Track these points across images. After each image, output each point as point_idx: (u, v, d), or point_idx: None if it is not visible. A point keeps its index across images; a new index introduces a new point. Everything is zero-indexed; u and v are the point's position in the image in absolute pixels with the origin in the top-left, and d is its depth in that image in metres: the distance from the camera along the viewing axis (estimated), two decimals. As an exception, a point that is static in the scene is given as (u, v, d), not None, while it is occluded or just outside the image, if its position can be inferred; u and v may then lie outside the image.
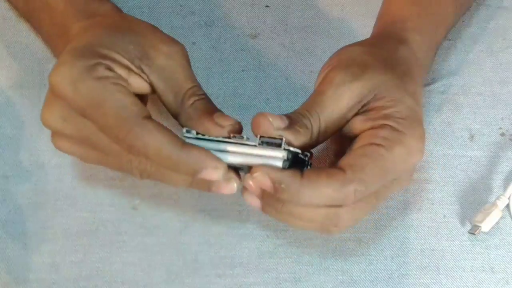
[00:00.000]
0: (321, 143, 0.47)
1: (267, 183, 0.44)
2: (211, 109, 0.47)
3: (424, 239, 0.53)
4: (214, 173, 0.43)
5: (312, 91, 0.47)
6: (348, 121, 0.47)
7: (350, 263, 0.52)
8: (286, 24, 0.61)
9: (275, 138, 0.44)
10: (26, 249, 0.52)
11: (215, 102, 0.57)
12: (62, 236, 0.53)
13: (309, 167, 0.46)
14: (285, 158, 0.44)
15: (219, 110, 0.47)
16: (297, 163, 0.46)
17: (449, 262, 0.52)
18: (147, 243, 0.52)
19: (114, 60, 0.45)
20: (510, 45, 0.60)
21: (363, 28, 0.60)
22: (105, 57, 0.45)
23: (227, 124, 0.45)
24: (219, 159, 0.44)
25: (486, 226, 0.52)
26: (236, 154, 0.44)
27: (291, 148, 0.45)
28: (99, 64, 0.44)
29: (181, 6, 0.62)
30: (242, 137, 0.45)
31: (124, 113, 0.43)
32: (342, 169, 0.44)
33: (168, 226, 0.53)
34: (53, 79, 0.44)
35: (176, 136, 0.44)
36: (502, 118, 0.57)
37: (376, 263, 0.52)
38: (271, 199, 0.45)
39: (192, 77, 0.48)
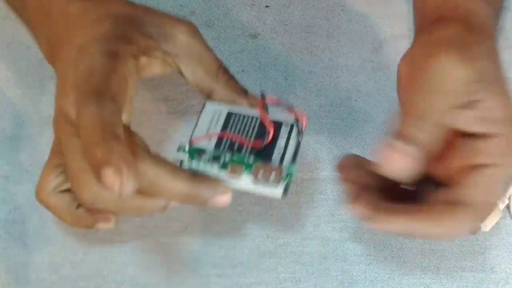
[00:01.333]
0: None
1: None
2: (241, 87, 0.47)
3: (424, 239, 0.53)
4: (225, 198, 0.42)
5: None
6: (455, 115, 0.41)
7: (350, 263, 0.52)
8: (286, 24, 0.61)
9: (271, 173, 0.43)
10: (26, 249, 0.52)
11: (215, 102, 0.57)
12: (62, 236, 0.53)
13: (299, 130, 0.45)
14: (282, 194, 0.42)
15: (245, 88, 0.47)
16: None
17: (449, 262, 0.52)
18: (147, 243, 0.52)
19: (141, 45, 0.44)
20: (510, 45, 0.60)
21: (363, 28, 0.60)
22: (132, 41, 0.43)
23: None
24: (223, 184, 0.42)
25: (486, 226, 0.52)
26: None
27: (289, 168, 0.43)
28: (128, 55, 0.43)
29: (181, 6, 0.62)
30: (236, 171, 0.43)
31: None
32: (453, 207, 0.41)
33: (168, 226, 0.53)
34: (78, 63, 0.42)
35: (182, 170, 0.42)
36: (502, 118, 0.57)
37: (376, 263, 0.52)
38: None
39: (215, 53, 0.47)
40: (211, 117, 0.46)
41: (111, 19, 0.44)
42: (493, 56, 0.42)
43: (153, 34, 0.45)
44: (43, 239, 0.53)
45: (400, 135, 0.39)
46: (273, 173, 0.42)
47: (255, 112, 0.46)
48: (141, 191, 0.40)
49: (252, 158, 0.43)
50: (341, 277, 0.52)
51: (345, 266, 0.52)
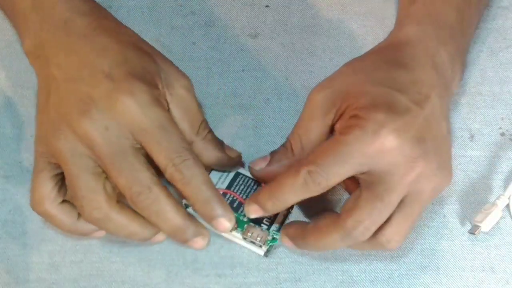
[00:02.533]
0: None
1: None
2: (219, 142, 0.52)
3: (424, 239, 0.53)
4: (202, 242, 0.48)
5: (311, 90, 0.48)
6: (327, 131, 0.48)
7: (350, 263, 0.52)
8: (286, 24, 0.61)
9: (258, 236, 0.50)
10: (26, 249, 0.52)
11: (215, 101, 0.58)
12: (62, 236, 0.53)
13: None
14: (266, 251, 0.51)
15: (223, 142, 0.52)
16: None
17: (449, 262, 0.52)
18: (147, 243, 0.52)
19: (159, 89, 0.48)
20: (510, 45, 0.60)
21: (363, 28, 0.60)
22: (156, 86, 0.48)
23: (235, 156, 0.52)
24: (202, 228, 0.48)
25: (486, 226, 0.52)
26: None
27: (274, 234, 0.50)
28: (160, 96, 0.47)
29: (181, 6, 0.62)
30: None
31: (180, 145, 0.47)
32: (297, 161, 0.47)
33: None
34: (119, 97, 0.46)
35: (182, 207, 0.48)
36: (502, 118, 0.57)
37: (376, 263, 0.52)
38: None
39: (201, 109, 0.52)
40: (221, 174, 0.52)
41: (134, 53, 0.48)
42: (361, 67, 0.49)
43: (162, 78, 0.49)
44: (43, 239, 0.53)
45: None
46: (259, 237, 0.50)
47: None
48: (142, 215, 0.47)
49: (246, 218, 0.50)
50: (341, 277, 0.52)
51: (345, 266, 0.52)
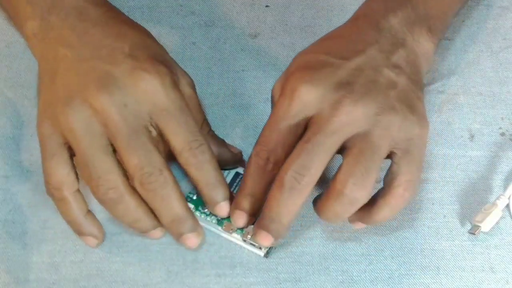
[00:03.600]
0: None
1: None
2: (220, 139, 0.53)
3: (424, 239, 0.53)
4: (194, 240, 0.49)
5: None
6: (300, 131, 0.47)
7: (350, 263, 0.52)
8: (286, 24, 0.61)
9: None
10: (26, 249, 0.52)
11: (215, 101, 0.58)
12: (62, 236, 0.53)
13: None
14: (265, 253, 0.51)
15: (224, 140, 0.53)
16: None
17: (449, 262, 0.52)
18: (147, 243, 0.52)
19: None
20: (510, 45, 0.60)
21: (363, 28, 0.60)
22: (174, 73, 0.49)
23: (237, 152, 0.53)
24: (199, 226, 0.49)
25: (486, 226, 0.52)
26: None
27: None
28: (178, 81, 0.49)
29: (181, 6, 0.62)
30: (230, 230, 0.51)
31: (196, 129, 0.48)
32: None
33: (168, 226, 0.53)
34: (139, 80, 0.46)
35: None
36: (502, 118, 0.57)
37: (376, 263, 0.52)
38: None
39: (203, 107, 0.53)
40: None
41: (151, 43, 0.50)
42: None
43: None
44: (43, 239, 0.53)
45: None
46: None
47: None
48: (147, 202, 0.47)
49: None
50: (341, 277, 0.52)
51: (345, 266, 0.52)
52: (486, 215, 0.52)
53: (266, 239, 0.47)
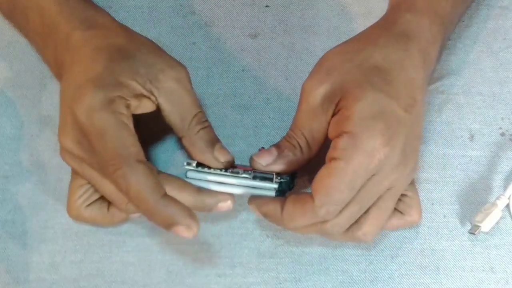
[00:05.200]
0: (317, 153, 0.49)
1: (259, 214, 0.49)
2: (213, 139, 0.50)
3: (424, 239, 0.53)
4: (186, 232, 0.46)
5: (306, 83, 0.49)
6: (328, 125, 0.48)
7: (350, 263, 0.52)
8: (286, 24, 0.61)
9: (267, 172, 0.49)
10: (26, 249, 0.52)
11: (215, 101, 0.57)
12: (62, 236, 0.53)
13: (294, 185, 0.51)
14: (276, 189, 0.49)
15: (219, 141, 0.51)
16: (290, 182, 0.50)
17: (449, 262, 0.52)
18: (147, 243, 0.52)
19: (130, 89, 0.48)
20: (510, 45, 0.60)
21: (363, 28, 0.60)
22: (123, 86, 0.47)
23: (224, 161, 0.50)
24: (195, 217, 0.46)
25: (486, 226, 0.52)
26: (234, 186, 0.50)
27: (281, 179, 0.49)
28: (120, 99, 0.47)
29: (181, 6, 0.62)
30: (238, 172, 0.49)
31: (121, 151, 0.45)
32: (312, 196, 0.46)
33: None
34: (73, 106, 0.46)
35: (160, 187, 0.46)
36: (502, 118, 0.57)
37: (376, 263, 0.52)
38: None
39: (197, 102, 0.50)
40: None
41: (105, 57, 0.48)
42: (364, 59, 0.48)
43: (142, 73, 0.48)
44: (43, 239, 0.53)
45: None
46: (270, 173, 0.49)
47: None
48: None
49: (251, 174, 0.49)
50: (341, 277, 0.52)
51: (345, 266, 0.52)
52: (486, 215, 0.52)
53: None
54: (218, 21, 0.61)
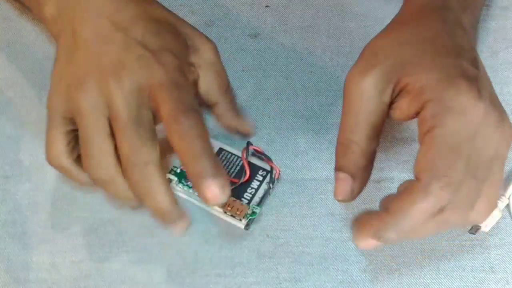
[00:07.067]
0: (377, 143, 0.46)
1: (368, 244, 0.45)
2: (239, 109, 0.54)
3: (424, 239, 0.53)
4: (178, 230, 0.48)
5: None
6: (386, 110, 0.45)
7: (350, 263, 0.52)
8: (286, 24, 0.61)
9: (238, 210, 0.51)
10: (26, 249, 0.52)
11: (215, 102, 0.58)
12: (62, 236, 0.53)
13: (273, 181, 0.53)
14: (245, 225, 0.52)
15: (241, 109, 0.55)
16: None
17: (449, 262, 0.52)
18: (147, 243, 0.52)
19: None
20: (510, 45, 0.60)
21: (363, 28, 0.60)
22: (184, 59, 0.49)
23: (251, 125, 0.54)
24: (184, 215, 0.48)
25: (486, 226, 0.52)
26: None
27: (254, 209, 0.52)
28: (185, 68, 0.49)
29: (181, 6, 0.62)
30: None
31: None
32: (417, 179, 0.42)
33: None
34: None
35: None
36: (502, 118, 0.57)
37: (376, 263, 0.52)
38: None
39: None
40: None
41: (154, 20, 0.49)
42: (419, 34, 0.46)
43: (190, 48, 0.50)
44: (43, 239, 0.53)
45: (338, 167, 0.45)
46: (239, 211, 0.51)
47: (240, 153, 0.53)
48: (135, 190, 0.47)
49: None
50: (341, 277, 0.52)
51: (345, 266, 0.52)
52: (486, 215, 0.52)
53: (369, 247, 0.45)
54: (218, 21, 0.61)
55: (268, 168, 0.54)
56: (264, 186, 0.53)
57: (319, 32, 0.60)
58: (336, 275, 0.52)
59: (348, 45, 0.60)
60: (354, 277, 0.52)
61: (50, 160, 0.49)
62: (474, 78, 0.43)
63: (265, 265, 0.52)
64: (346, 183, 0.45)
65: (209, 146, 0.45)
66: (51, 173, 0.54)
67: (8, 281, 0.51)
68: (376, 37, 0.48)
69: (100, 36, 0.48)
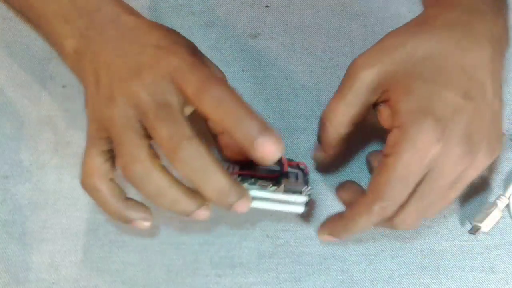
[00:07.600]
0: (351, 130, 0.49)
1: (330, 238, 0.49)
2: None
3: (424, 239, 0.53)
4: (245, 205, 0.45)
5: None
6: (369, 108, 0.48)
7: (350, 263, 0.52)
8: (286, 24, 0.61)
9: (296, 185, 0.48)
10: (26, 249, 0.52)
11: (215, 102, 0.57)
12: (62, 236, 0.53)
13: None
14: (306, 201, 0.47)
15: None
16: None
17: (449, 262, 0.52)
18: (147, 243, 0.52)
19: None
20: (509, 45, 0.60)
21: (363, 28, 0.60)
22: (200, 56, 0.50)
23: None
24: (244, 189, 0.45)
25: (486, 226, 0.52)
26: (261, 199, 0.46)
27: (309, 190, 0.48)
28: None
29: (181, 6, 0.62)
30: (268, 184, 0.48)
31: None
32: (368, 192, 0.46)
33: (168, 226, 0.53)
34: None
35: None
36: (502, 118, 0.57)
37: (376, 263, 0.52)
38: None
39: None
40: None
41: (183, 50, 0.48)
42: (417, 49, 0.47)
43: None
44: (43, 239, 0.53)
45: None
46: (299, 186, 0.48)
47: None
48: (185, 179, 0.43)
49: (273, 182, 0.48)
50: (341, 277, 0.52)
51: (345, 266, 0.52)
52: (486, 215, 0.52)
53: (328, 240, 0.49)
54: (218, 21, 0.61)
55: (300, 167, 0.52)
56: (300, 180, 0.50)
57: (319, 32, 0.60)
58: (336, 275, 0.52)
59: (348, 45, 0.60)
60: (354, 277, 0.52)
61: (84, 180, 0.47)
62: (451, 112, 0.44)
63: (265, 265, 0.52)
64: (319, 152, 0.51)
65: (248, 106, 0.43)
66: (51, 173, 0.54)
67: (8, 281, 0.51)
68: (398, 30, 0.48)
69: (119, 51, 0.48)
